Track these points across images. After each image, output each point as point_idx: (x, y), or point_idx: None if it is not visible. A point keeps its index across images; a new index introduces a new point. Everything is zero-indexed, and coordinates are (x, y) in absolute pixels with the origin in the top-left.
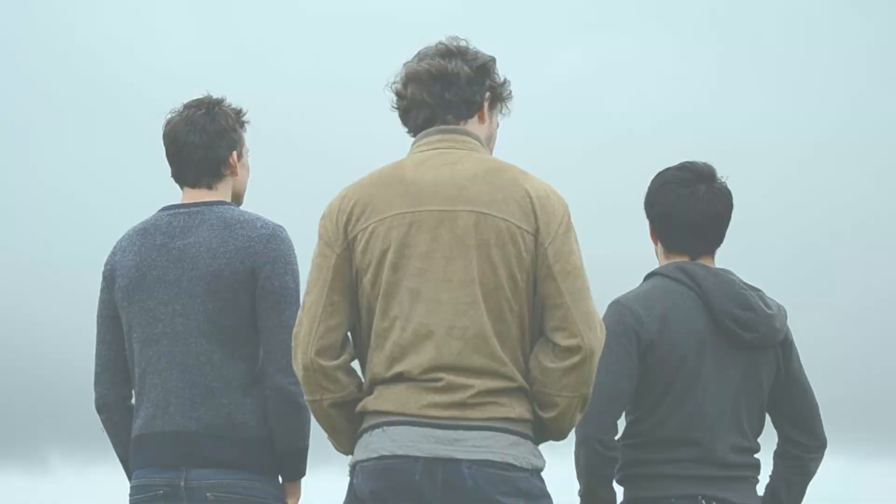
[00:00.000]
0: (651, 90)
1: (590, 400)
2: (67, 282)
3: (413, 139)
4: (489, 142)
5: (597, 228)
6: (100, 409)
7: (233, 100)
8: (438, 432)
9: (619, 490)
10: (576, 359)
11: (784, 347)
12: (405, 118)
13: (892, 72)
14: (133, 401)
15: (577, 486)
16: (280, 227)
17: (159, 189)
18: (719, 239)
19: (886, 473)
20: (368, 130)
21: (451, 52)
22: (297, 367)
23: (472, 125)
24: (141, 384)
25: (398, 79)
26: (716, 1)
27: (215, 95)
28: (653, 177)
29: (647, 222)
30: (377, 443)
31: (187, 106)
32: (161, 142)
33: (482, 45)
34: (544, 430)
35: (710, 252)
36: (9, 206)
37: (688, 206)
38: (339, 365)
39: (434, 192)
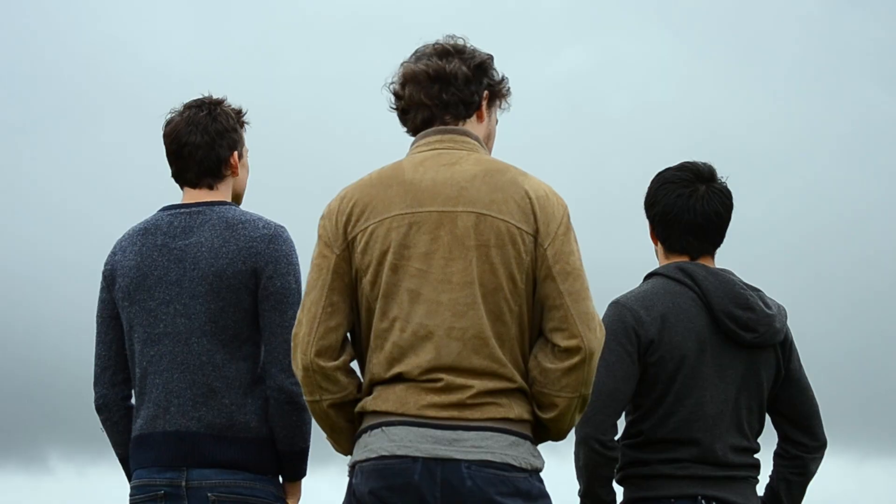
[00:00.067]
0: (651, 90)
1: (589, 400)
2: (67, 282)
3: (412, 139)
4: (488, 140)
5: (597, 228)
6: (99, 409)
7: (233, 100)
8: (437, 432)
9: (619, 490)
10: (575, 360)
11: (784, 347)
12: (403, 118)
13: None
14: (133, 401)
15: (577, 486)
16: (282, 227)
17: (159, 189)
18: (719, 239)
19: (886, 473)
20: (368, 130)
21: (449, 52)
22: (297, 368)
23: (471, 125)
24: (142, 384)
25: (396, 79)
26: (716, 1)
27: (215, 96)
28: (653, 177)
29: (646, 222)
30: (376, 443)
31: (188, 106)
32: (160, 142)
33: (482, 45)
34: (543, 431)
35: (710, 252)
36: (9, 207)
37: (688, 206)
38: (339, 366)
39: (434, 193)
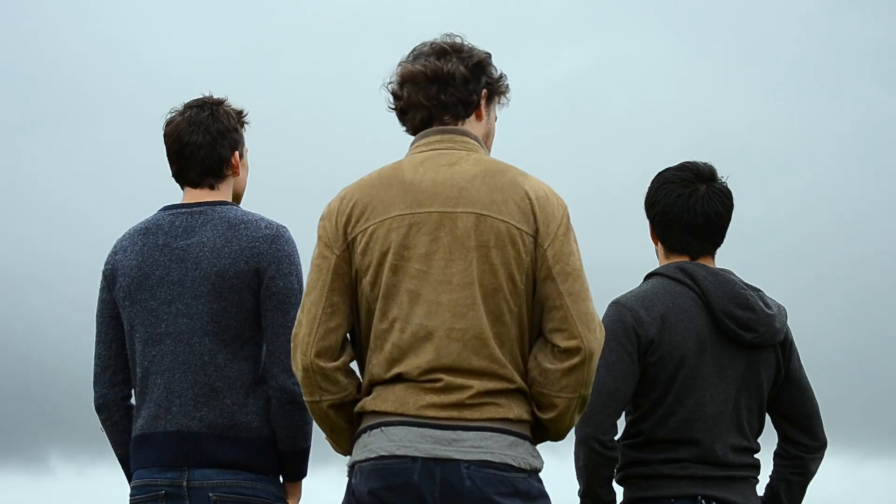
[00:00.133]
0: (651, 90)
1: (588, 401)
2: (67, 282)
3: (411, 138)
4: (487, 138)
5: (597, 228)
6: (99, 408)
7: (233, 100)
8: (437, 432)
9: (619, 490)
10: (575, 360)
11: (784, 347)
12: (402, 118)
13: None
14: (132, 401)
15: (576, 486)
16: (284, 227)
17: (159, 189)
18: (719, 239)
19: (886, 473)
20: (368, 130)
21: (446, 51)
22: (297, 369)
23: (470, 124)
24: (143, 384)
25: (394, 79)
26: (716, 1)
27: (216, 96)
28: (653, 177)
29: (647, 222)
30: (376, 443)
31: (189, 106)
32: (160, 142)
33: (482, 45)
34: (543, 431)
35: (711, 252)
36: (9, 207)
37: (688, 206)
38: (339, 366)
39: (434, 194)
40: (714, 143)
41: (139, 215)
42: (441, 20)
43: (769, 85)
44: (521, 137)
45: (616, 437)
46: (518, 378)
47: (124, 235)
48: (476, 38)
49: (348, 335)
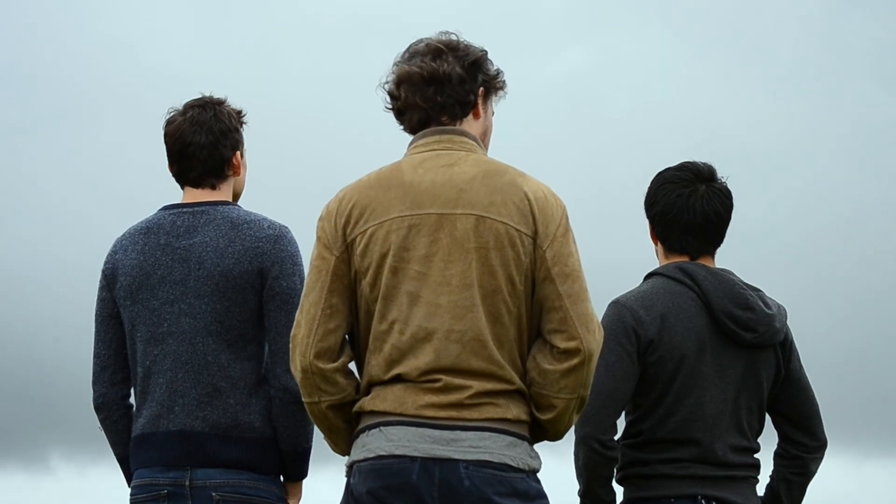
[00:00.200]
0: (651, 90)
1: (587, 401)
2: (67, 282)
3: (410, 137)
4: (485, 136)
5: (597, 228)
6: (98, 408)
7: (233, 100)
8: (436, 432)
9: (619, 490)
10: (574, 361)
11: (784, 347)
12: (399, 118)
13: (893, 72)
14: (132, 400)
15: (576, 485)
16: (286, 227)
17: (159, 189)
18: (719, 239)
19: (887, 473)
20: (368, 130)
21: (442, 51)
22: (296, 370)
23: (468, 123)
24: (144, 383)
25: (390, 78)
26: (716, 1)
27: (215, 96)
28: (653, 177)
29: (647, 222)
30: (374, 443)
31: (190, 106)
32: (160, 141)
33: (483, 45)
34: (541, 431)
35: (710, 252)
36: (9, 207)
37: (687, 206)
38: (338, 367)
39: (433, 195)
40: (714, 143)
41: (139, 215)
42: (441, 20)
43: (769, 85)
44: (521, 137)
45: (616, 437)
46: (517, 379)
47: (124, 235)
48: (476, 39)
49: (347, 336)
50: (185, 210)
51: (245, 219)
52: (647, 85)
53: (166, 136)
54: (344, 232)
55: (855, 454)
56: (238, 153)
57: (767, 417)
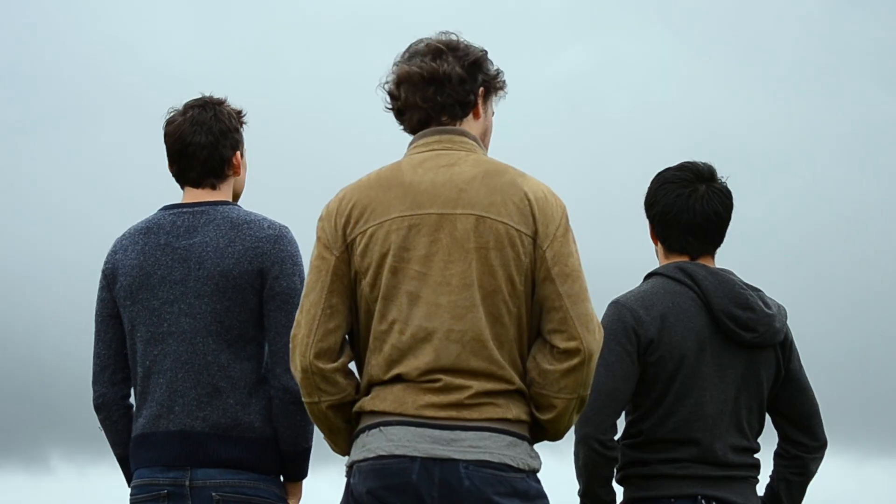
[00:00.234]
0: (651, 90)
1: (587, 401)
2: (67, 282)
3: (410, 137)
4: (485, 135)
5: (597, 228)
6: (98, 407)
7: (233, 100)
8: (436, 432)
9: (619, 490)
10: (574, 361)
11: (784, 347)
12: (399, 118)
13: (893, 72)
14: (132, 400)
15: (576, 485)
16: (286, 227)
17: (159, 189)
18: (719, 239)
19: (887, 473)
20: (368, 130)
21: (442, 51)
22: (295, 370)
23: (468, 123)
24: (144, 383)
25: (390, 78)
26: (716, 1)
27: (215, 96)
28: (653, 177)
29: (647, 222)
30: (374, 443)
31: (190, 105)
32: (160, 141)
33: (483, 45)
34: (541, 431)
35: (710, 252)
36: (9, 207)
37: (687, 206)
38: (338, 367)
39: (433, 195)
40: (714, 143)
41: (139, 215)
42: (441, 20)
43: (769, 85)
44: (521, 137)
45: (616, 437)
46: (516, 379)
47: (124, 234)
48: (476, 39)
49: (347, 336)
50: (185, 210)
51: (245, 219)
52: (647, 85)
53: (166, 135)
54: (344, 232)
55: (855, 454)
56: (238, 153)
57: (767, 417)
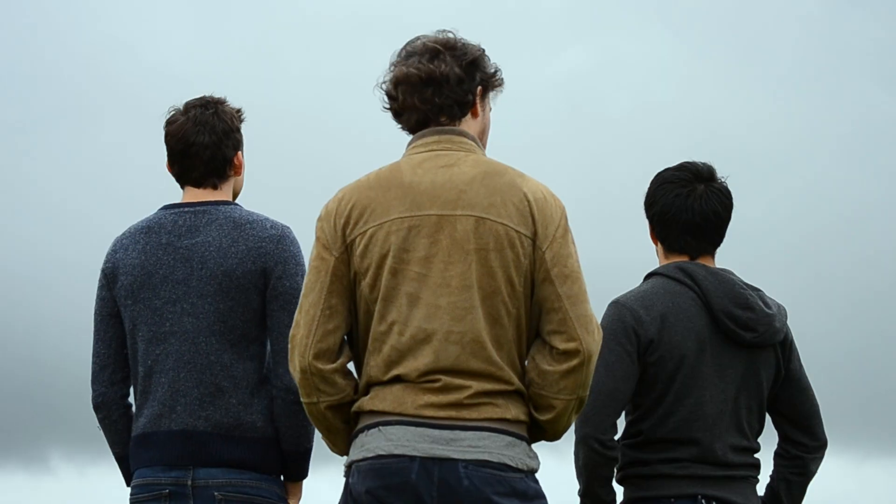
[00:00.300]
0: (651, 90)
1: (586, 402)
2: (67, 282)
3: (410, 137)
4: (483, 134)
5: (597, 228)
6: (97, 407)
7: (233, 100)
8: (435, 432)
9: (619, 490)
10: (574, 362)
11: (784, 347)
12: (397, 119)
13: (893, 72)
14: (131, 399)
15: (576, 485)
16: (288, 227)
17: (159, 189)
18: (718, 239)
19: (887, 473)
20: (368, 130)
21: (439, 51)
22: (294, 370)
23: (466, 122)
24: (145, 383)
25: (387, 79)
26: (716, 1)
27: (215, 95)
28: (653, 177)
29: (647, 222)
30: (373, 442)
31: (192, 105)
32: (160, 141)
33: (483, 45)
34: (539, 432)
35: (710, 252)
36: (9, 207)
37: (685, 206)
38: (337, 368)
39: (433, 196)
40: (714, 143)
41: (139, 215)
42: (441, 20)
43: (769, 85)
44: (521, 137)
45: (616, 437)
46: (515, 380)
47: (124, 234)
48: (476, 39)
49: (346, 336)
50: (186, 210)
51: (248, 219)
52: (647, 85)
53: (168, 135)
54: (343, 233)
55: (855, 454)
56: (239, 153)
57: (767, 417)
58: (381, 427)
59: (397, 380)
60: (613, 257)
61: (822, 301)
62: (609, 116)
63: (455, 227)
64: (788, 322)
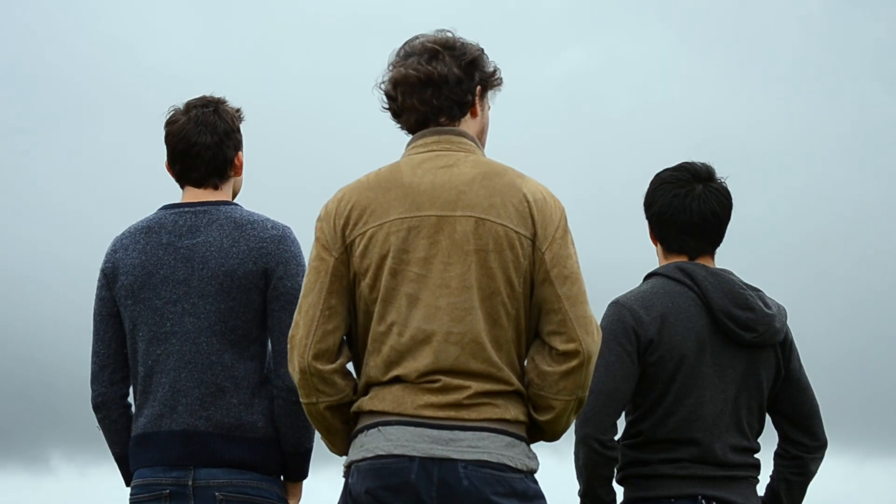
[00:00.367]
0: (651, 90)
1: (585, 403)
2: (67, 282)
3: (409, 137)
4: (482, 133)
5: (597, 228)
6: (97, 407)
7: (233, 100)
8: (434, 432)
9: (619, 490)
10: (573, 363)
11: (784, 347)
12: (397, 119)
13: (893, 72)
14: (131, 399)
15: (576, 485)
16: (288, 227)
17: (159, 189)
18: (718, 239)
19: (887, 473)
20: (368, 130)
21: (438, 52)
22: (294, 371)
23: (466, 122)
24: (145, 383)
25: (386, 79)
26: (716, 1)
27: (215, 95)
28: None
29: (647, 222)
30: (372, 442)
31: (192, 105)
32: (160, 141)
33: (483, 45)
34: (538, 432)
35: (709, 252)
36: (9, 207)
37: (684, 206)
38: (336, 368)
39: (432, 197)
40: (714, 143)
41: (139, 215)
42: (441, 20)
43: (769, 85)
44: (521, 137)
45: (616, 437)
46: (515, 380)
47: (124, 234)
48: (476, 39)
49: (345, 337)
50: (186, 210)
51: (248, 219)
52: (647, 85)
53: (169, 135)
54: (343, 233)
55: (855, 454)
56: (240, 153)
57: (767, 417)
58: (380, 427)
59: (397, 380)
60: (613, 257)
61: (822, 301)
62: (609, 116)
63: (455, 227)
64: (788, 322)
